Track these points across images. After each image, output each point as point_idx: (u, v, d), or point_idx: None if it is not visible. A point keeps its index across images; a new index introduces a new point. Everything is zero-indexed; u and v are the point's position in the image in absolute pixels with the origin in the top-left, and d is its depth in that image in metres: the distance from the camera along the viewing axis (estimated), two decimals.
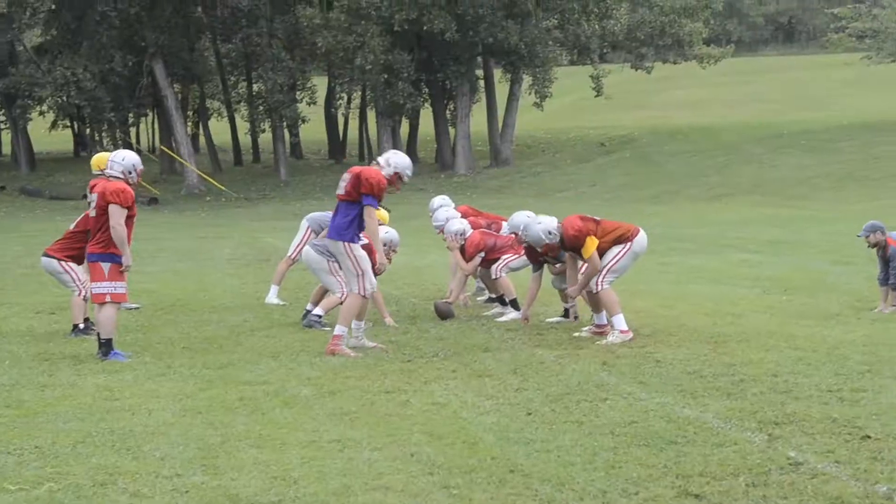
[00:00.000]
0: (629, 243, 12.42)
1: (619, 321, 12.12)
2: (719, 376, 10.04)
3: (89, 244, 11.91)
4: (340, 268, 12.30)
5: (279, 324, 13.91)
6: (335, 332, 11.74)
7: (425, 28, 47.52)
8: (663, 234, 27.02)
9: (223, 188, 48.57)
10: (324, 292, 13.83)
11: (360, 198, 11.78)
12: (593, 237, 12.22)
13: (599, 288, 12.28)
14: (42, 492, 6.94)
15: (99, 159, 14.48)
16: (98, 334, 11.70)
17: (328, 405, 9.23)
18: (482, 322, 13.82)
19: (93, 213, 11.98)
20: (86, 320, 13.22)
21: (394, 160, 12.22)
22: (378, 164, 12.18)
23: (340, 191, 11.98)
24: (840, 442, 7.75)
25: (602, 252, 12.31)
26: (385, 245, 13.41)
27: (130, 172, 11.96)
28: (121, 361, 11.32)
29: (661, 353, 11.20)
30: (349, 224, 11.82)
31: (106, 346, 11.51)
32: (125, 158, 12.05)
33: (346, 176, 12.04)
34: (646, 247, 12.70)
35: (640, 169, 49.17)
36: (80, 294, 13.20)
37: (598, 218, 12.68)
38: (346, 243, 11.76)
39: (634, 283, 16.43)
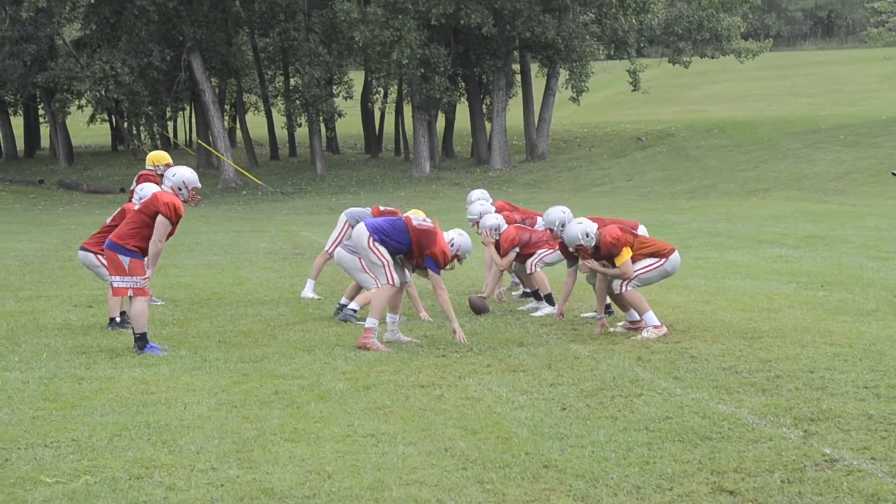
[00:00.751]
0: (664, 259, 12.44)
1: (651, 318, 12.10)
2: (755, 372, 10.02)
3: (114, 233, 11.99)
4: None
5: (314, 318, 13.94)
6: (366, 326, 11.81)
7: (462, 22, 47.48)
8: (699, 229, 26.94)
9: (259, 182, 48.70)
10: (360, 287, 13.87)
11: (423, 255, 12.09)
12: (629, 248, 12.24)
13: (623, 290, 12.28)
14: (79, 485, 6.99)
15: (155, 156, 14.75)
16: (132, 328, 11.77)
17: (363, 399, 9.26)
18: (517, 317, 13.82)
19: (136, 207, 12.11)
20: (122, 314, 13.30)
21: (458, 241, 12.60)
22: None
23: (411, 214, 12.52)
24: (876, 439, 7.72)
25: (635, 261, 12.33)
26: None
27: (180, 189, 12.04)
28: (157, 355, 11.38)
29: (697, 349, 11.17)
30: (392, 240, 12.07)
31: (141, 340, 11.57)
32: (176, 174, 12.14)
33: (427, 220, 12.42)
34: (678, 267, 12.75)
35: (677, 163, 48.99)
36: None
37: (636, 233, 12.70)
38: (372, 239, 11.89)
39: (670, 278, 16.41)
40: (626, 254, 12.18)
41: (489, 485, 6.88)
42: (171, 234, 11.93)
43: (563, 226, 13.17)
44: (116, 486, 6.96)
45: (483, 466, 7.24)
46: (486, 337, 12.23)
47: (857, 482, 6.78)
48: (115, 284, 11.84)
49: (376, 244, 11.91)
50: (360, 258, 13.21)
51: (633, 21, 53.78)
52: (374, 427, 8.31)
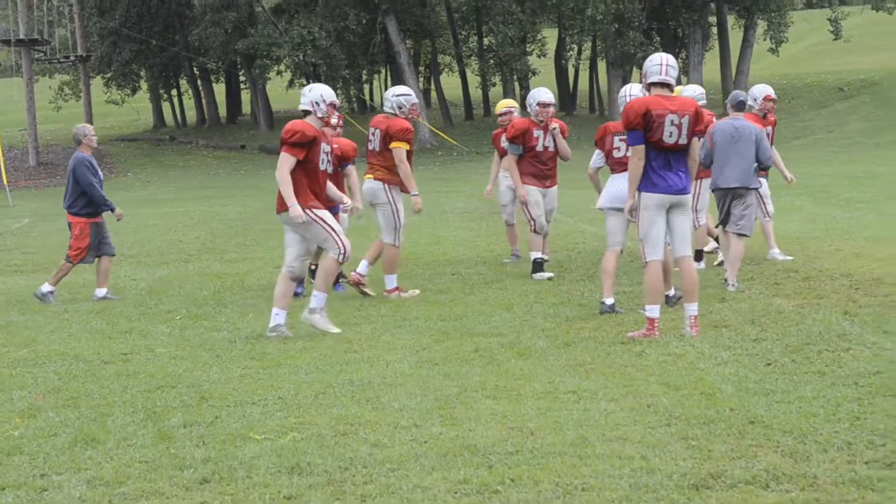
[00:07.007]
0: None
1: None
2: None
3: None
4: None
5: (512, 275, 13.95)
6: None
7: None
8: None
9: (455, 143, 48.93)
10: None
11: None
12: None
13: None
14: (287, 441, 7.12)
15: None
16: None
17: (563, 356, 9.23)
18: (717, 272, 13.59)
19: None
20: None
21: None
22: None
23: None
24: None
25: None
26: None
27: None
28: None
29: None
30: None
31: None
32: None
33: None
34: None
35: (882, 113, 47.52)
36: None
37: None
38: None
39: (877, 229, 15.95)
40: None
41: (694, 441, 6.77)
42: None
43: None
44: (323, 442, 7.06)
45: (687, 423, 7.13)
46: None
47: None
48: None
49: None
50: None
51: None
52: (575, 384, 8.27)
